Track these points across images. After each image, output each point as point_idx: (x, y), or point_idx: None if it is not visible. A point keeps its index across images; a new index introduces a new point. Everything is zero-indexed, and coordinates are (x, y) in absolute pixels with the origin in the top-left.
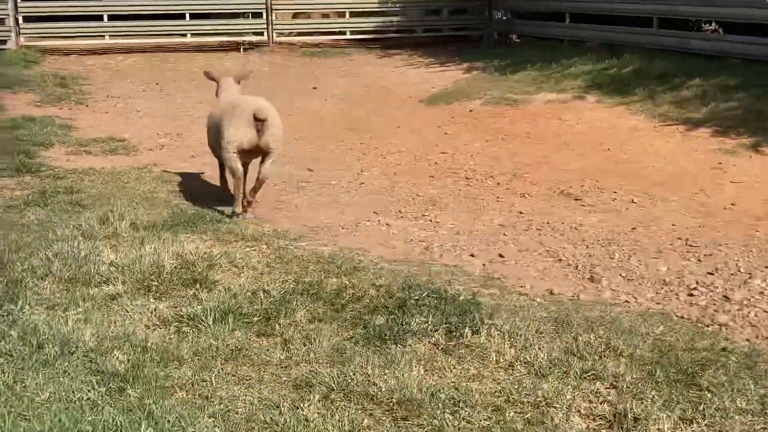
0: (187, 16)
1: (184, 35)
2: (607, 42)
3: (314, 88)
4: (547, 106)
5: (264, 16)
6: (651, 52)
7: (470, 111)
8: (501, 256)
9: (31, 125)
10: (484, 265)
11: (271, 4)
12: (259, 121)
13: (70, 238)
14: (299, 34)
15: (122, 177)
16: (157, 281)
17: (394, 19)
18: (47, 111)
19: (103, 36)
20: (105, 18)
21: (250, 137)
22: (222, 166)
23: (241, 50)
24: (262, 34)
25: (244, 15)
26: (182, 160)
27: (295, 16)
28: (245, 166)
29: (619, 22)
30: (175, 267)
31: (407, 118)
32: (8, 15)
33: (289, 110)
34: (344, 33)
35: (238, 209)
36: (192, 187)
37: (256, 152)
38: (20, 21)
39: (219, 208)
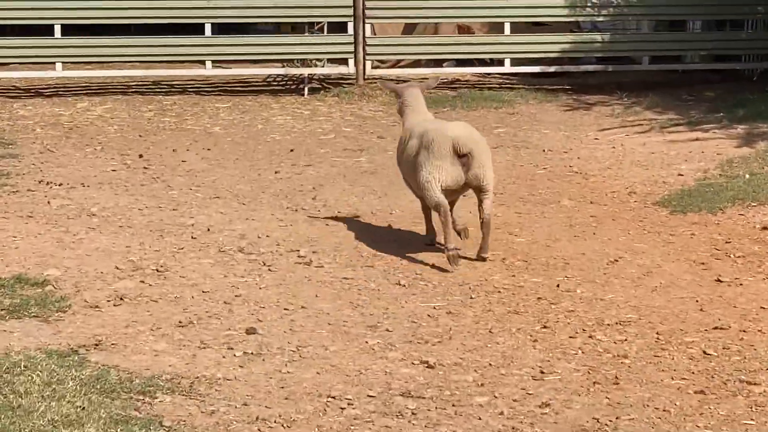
0: (208, 28)
1: (202, 63)
2: None
3: None
4: None
5: (350, 28)
6: None
7: (764, 229)
8: None
9: None
10: None
11: (364, 7)
12: (462, 156)
13: None
14: (414, 63)
15: (15, 379)
16: None
17: (598, 38)
18: None
19: (53, 63)
20: (57, 31)
21: (455, 175)
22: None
23: (306, 91)
24: (344, 62)
25: (311, 26)
26: (160, 332)
27: (407, 29)
28: (452, 204)
29: None
30: None
31: (631, 239)
32: None
33: (390, 217)
34: (500, 62)
35: (450, 245)
36: (176, 406)
37: (463, 190)
38: None
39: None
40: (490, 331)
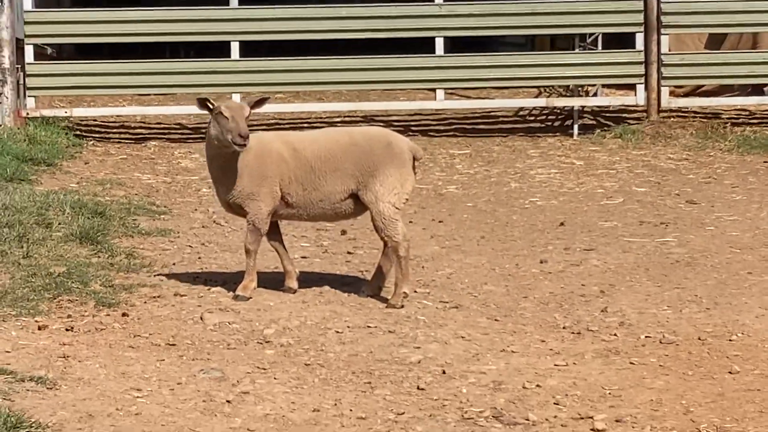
0: (440, 44)
1: (431, 90)
2: None
3: None
4: None
5: (639, 42)
6: None
7: None
8: None
9: None
10: None
11: (659, 11)
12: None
13: None
14: (721, 88)
15: None
16: None
17: None
18: None
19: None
20: (234, 50)
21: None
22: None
23: (575, 130)
24: (630, 88)
25: (581, 40)
26: None
27: (711, 42)
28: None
29: None
30: None
31: None
32: None
33: (730, 346)
34: None
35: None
36: None
37: None
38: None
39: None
40: None
